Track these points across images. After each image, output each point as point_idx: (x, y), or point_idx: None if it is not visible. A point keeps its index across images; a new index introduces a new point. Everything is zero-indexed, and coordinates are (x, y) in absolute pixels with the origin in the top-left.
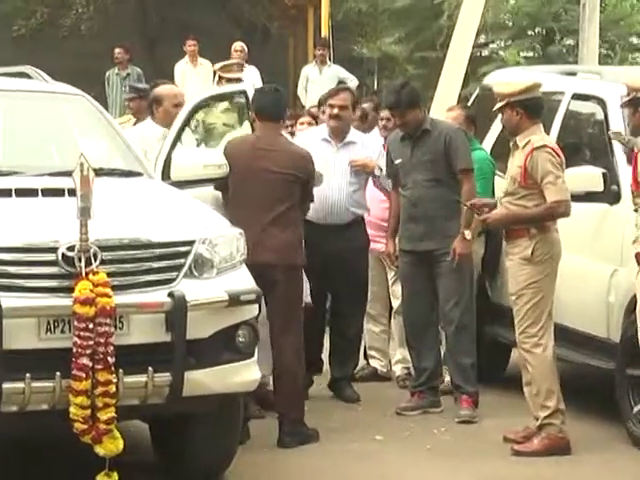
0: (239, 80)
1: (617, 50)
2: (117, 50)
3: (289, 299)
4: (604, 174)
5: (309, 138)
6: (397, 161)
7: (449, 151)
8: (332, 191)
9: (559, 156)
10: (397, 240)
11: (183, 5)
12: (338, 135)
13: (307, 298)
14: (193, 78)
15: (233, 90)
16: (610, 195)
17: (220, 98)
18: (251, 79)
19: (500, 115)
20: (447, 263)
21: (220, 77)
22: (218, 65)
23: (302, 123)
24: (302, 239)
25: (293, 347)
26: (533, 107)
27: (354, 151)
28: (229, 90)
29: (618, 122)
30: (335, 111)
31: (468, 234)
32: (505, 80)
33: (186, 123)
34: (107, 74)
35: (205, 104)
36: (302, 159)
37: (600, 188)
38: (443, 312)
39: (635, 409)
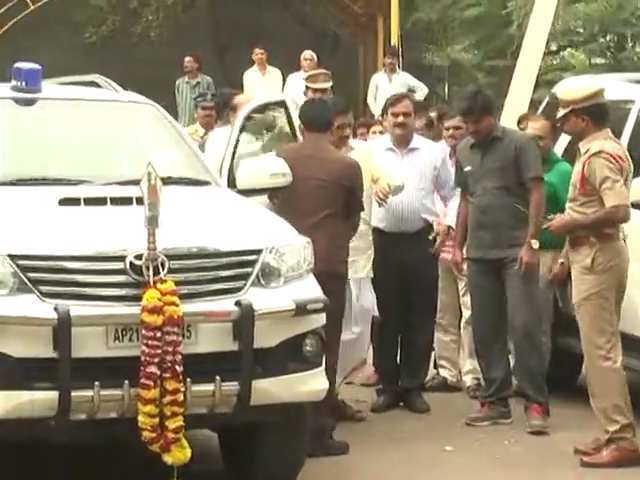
0: (325, 91)
1: None
2: (187, 59)
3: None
4: None
5: (373, 148)
6: (467, 168)
7: (519, 159)
8: (402, 198)
9: (617, 161)
10: (465, 249)
11: (254, 13)
12: (402, 143)
13: (374, 311)
14: (262, 86)
15: (274, 101)
16: None
17: (261, 109)
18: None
19: (564, 122)
20: (515, 272)
21: (307, 87)
22: (305, 75)
23: (374, 132)
24: (345, 250)
25: (328, 360)
26: (598, 113)
27: (418, 157)
28: (270, 101)
29: None
30: (400, 119)
31: (535, 243)
32: (569, 87)
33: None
34: (177, 82)
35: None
36: (347, 168)
37: None
38: (511, 321)
39: None
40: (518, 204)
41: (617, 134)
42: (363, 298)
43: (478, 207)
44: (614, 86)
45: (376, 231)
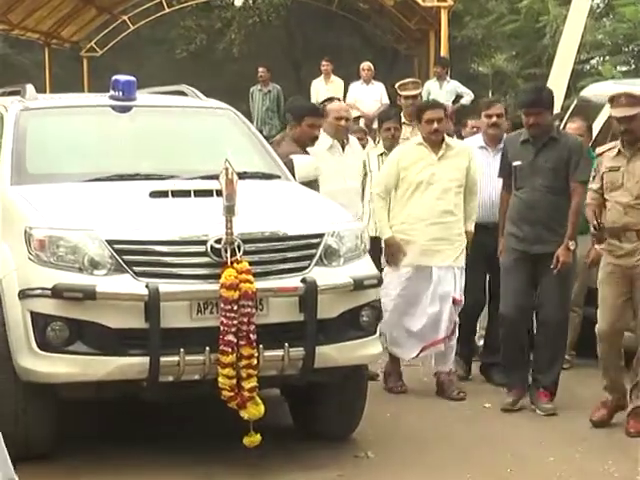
0: (416, 97)
1: None
2: (260, 69)
3: None
4: None
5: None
6: (516, 163)
7: (571, 161)
8: (494, 191)
9: None
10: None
11: (324, 31)
12: (494, 142)
13: (460, 295)
14: (324, 94)
15: None
16: None
17: None
18: (379, 93)
19: (630, 121)
20: (552, 267)
21: (398, 94)
22: (397, 84)
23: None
24: None
25: None
26: None
27: None
28: None
29: None
30: (494, 119)
31: (572, 244)
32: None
33: None
34: (251, 90)
35: None
36: None
37: None
38: (544, 314)
39: None
40: (563, 204)
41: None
42: (445, 284)
43: (525, 202)
44: (635, 90)
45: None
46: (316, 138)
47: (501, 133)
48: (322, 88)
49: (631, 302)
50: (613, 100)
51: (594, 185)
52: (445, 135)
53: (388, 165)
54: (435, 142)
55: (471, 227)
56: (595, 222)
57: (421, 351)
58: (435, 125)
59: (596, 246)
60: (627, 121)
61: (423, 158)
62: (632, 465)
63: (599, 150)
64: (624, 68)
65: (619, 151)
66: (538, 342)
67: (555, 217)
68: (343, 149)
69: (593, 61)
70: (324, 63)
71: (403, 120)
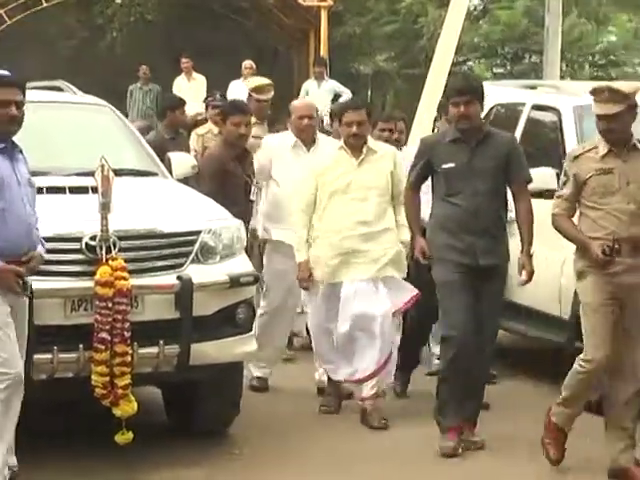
0: (267, 101)
1: (576, 67)
2: (143, 67)
3: None
4: (558, 174)
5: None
6: (446, 166)
7: (511, 160)
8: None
9: None
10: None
11: (205, 29)
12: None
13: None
14: (187, 91)
15: None
16: None
17: None
18: None
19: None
20: (498, 279)
21: (251, 95)
22: (252, 85)
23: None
24: None
25: None
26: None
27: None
28: None
29: (571, 129)
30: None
31: (533, 252)
32: (620, 82)
33: None
34: (130, 88)
35: None
36: None
37: (554, 186)
38: (487, 328)
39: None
40: (504, 210)
41: (510, 132)
42: (361, 301)
43: (466, 210)
44: (510, 91)
45: None
46: (242, 136)
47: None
48: (184, 85)
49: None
50: (595, 94)
51: (565, 191)
52: (369, 138)
53: (307, 174)
54: (355, 146)
55: (406, 236)
56: (605, 244)
57: (359, 380)
58: (354, 129)
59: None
60: (609, 119)
61: (341, 164)
62: None
63: (575, 151)
64: (500, 70)
65: (609, 150)
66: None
67: (499, 224)
68: (309, 148)
69: (470, 62)
70: (184, 60)
71: (254, 120)
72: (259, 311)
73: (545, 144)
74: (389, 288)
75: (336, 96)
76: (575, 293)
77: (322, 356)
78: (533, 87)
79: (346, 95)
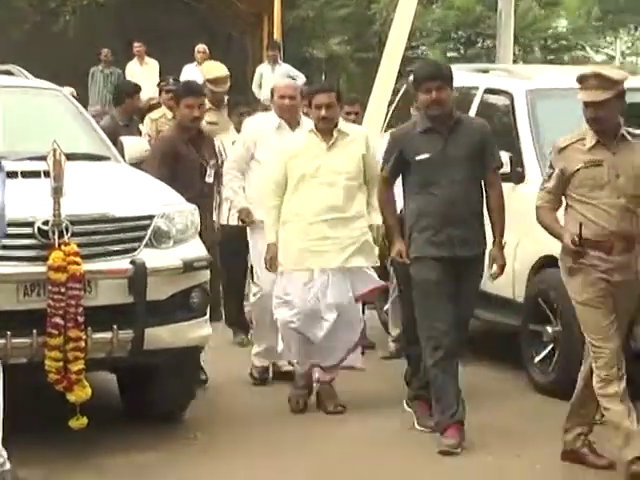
0: (224, 93)
1: (529, 51)
2: (105, 50)
3: None
4: (511, 157)
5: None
6: (420, 157)
7: (485, 147)
8: None
9: None
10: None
11: (157, 13)
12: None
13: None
14: (140, 76)
15: None
16: (516, 175)
17: None
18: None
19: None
20: (476, 271)
21: (205, 84)
22: (209, 76)
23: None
24: None
25: None
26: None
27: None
28: None
29: (523, 113)
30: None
31: (505, 242)
32: (610, 68)
33: None
34: (92, 71)
35: None
36: None
37: (507, 169)
38: (462, 318)
39: (536, 359)
40: (480, 198)
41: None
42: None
43: (443, 199)
44: (463, 75)
45: None
46: (196, 119)
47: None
48: (137, 70)
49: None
50: (582, 81)
51: (550, 184)
52: (340, 120)
53: (277, 155)
54: (324, 130)
55: (377, 219)
56: (574, 234)
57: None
58: (323, 112)
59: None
60: (596, 107)
61: (312, 148)
62: None
63: (561, 142)
64: (454, 54)
65: (597, 142)
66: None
67: (476, 213)
68: (293, 129)
69: (423, 47)
70: (136, 45)
71: (209, 105)
72: (252, 299)
73: (498, 128)
74: (354, 277)
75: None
76: (528, 277)
77: (290, 347)
78: (486, 71)
79: (300, 79)
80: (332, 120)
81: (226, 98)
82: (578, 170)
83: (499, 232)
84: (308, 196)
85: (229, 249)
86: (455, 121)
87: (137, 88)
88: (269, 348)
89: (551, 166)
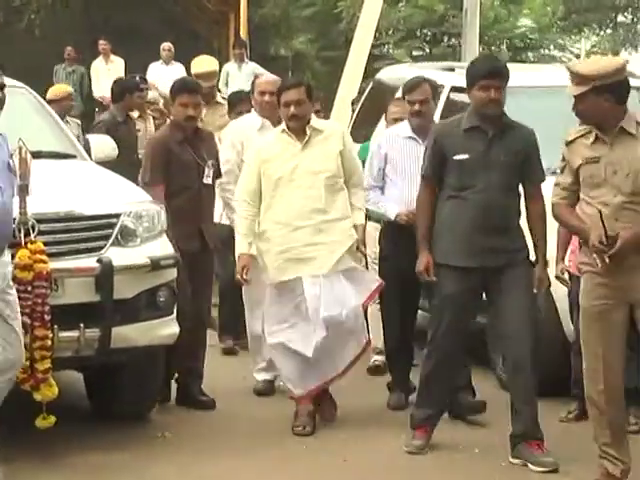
0: (212, 86)
1: (494, 50)
2: (69, 48)
3: None
4: None
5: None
6: (459, 157)
7: (530, 157)
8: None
9: None
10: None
11: (123, 10)
12: (423, 132)
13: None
14: (105, 74)
15: None
16: None
17: None
18: (179, 74)
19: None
20: (513, 276)
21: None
22: (198, 70)
23: None
24: None
25: None
26: (623, 92)
27: None
28: None
29: None
30: (416, 107)
31: (548, 260)
32: (589, 61)
33: None
34: (55, 69)
35: None
36: None
37: None
38: (512, 338)
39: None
40: (516, 208)
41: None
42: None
43: (478, 205)
44: (428, 73)
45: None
46: (190, 118)
47: (428, 122)
48: (102, 68)
49: None
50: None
51: (565, 179)
52: (313, 117)
53: (249, 161)
54: (296, 129)
55: (361, 219)
56: (601, 233)
57: (318, 388)
58: (292, 109)
59: (579, 264)
60: (575, 101)
61: (285, 149)
62: None
63: (569, 135)
64: (419, 53)
65: (597, 137)
66: (510, 383)
67: (511, 223)
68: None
69: (389, 45)
70: (102, 43)
71: None
72: (246, 310)
73: None
74: (351, 280)
75: (256, 77)
76: None
77: (283, 372)
78: (451, 69)
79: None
80: (303, 118)
81: (220, 95)
82: (580, 166)
83: (542, 251)
84: (287, 201)
85: (224, 248)
86: (505, 124)
87: (138, 85)
88: (271, 362)
89: (563, 159)
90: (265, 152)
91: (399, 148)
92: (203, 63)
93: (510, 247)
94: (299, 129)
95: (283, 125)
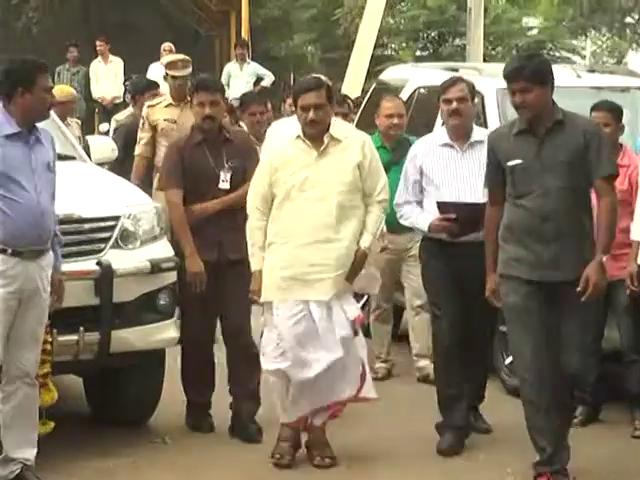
0: (186, 78)
1: (499, 50)
2: (72, 48)
3: None
4: None
5: None
6: (512, 162)
7: (590, 151)
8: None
9: None
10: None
11: (122, 9)
12: (461, 135)
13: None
14: (104, 74)
15: None
16: None
17: None
18: None
19: None
20: (575, 297)
21: (167, 73)
22: (165, 61)
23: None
24: None
25: None
26: None
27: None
28: None
29: (493, 111)
30: (454, 105)
31: (606, 259)
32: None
33: None
34: (57, 69)
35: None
36: None
37: None
38: (564, 361)
39: (506, 361)
40: (582, 209)
41: (434, 116)
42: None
43: (534, 212)
44: (432, 73)
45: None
46: (208, 118)
47: (466, 123)
48: (101, 69)
49: None
50: None
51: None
52: (333, 122)
53: (260, 167)
54: (313, 136)
55: (364, 243)
56: None
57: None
58: (311, 114)
59: None
60: None
61: (299, 157)
62: None
63: None
64: (424, 53)
65: None
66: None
67: (576, 230)
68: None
69: (394, 45)
70: (99, 43)
71: (171, 101)
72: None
73: None
74: (340, 301)
75: (258, 79)
76: None
77: (275, 395)
78: (455, 69)
79: (268, 78)
80: (323, 123)
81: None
82: None
83: (601, 248)
84: (295, 214)
85: None
86: (555, 122)
87: (150, 85)
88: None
89: None
90: (277, 159)
91: (435, 157)
92: (168, 56)
93: (577, 260)
94: (317, 136)
95: (299, 130)
